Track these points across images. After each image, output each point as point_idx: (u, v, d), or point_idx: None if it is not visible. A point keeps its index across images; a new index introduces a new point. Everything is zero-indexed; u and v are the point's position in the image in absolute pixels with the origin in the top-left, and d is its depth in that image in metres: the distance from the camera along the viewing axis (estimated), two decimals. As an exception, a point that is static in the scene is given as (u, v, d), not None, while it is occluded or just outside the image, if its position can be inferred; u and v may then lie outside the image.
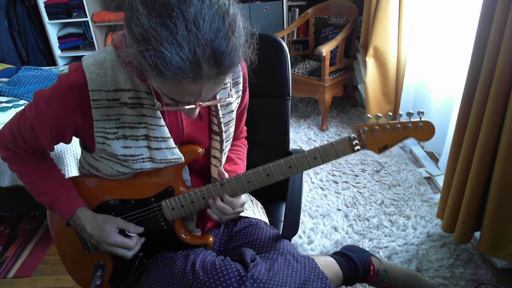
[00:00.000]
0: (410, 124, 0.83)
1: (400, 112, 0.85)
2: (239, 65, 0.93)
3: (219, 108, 0.91)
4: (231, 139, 1.00)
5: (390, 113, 0.85)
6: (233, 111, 0.96)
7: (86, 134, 0.85)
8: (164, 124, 0.84)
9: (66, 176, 0.97)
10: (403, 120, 0.84)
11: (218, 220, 0.92)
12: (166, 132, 0.85)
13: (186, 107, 0.71)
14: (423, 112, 0.84)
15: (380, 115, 0.85)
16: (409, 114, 0.84)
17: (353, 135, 0.85)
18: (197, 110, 0.76)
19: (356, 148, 0.85)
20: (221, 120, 0.92)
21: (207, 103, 0.73)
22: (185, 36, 0.59)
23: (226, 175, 0.91)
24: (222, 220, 0.93)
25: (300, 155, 0.87)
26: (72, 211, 0.91)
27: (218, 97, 0.84)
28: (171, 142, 0.86)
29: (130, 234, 0.93)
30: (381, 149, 0.86)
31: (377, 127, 0.84)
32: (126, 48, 0.66)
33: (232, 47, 0.63)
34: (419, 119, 0.84)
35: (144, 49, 0.60)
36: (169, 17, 0.59)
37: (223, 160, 0.98)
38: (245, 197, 0.93)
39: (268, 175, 0.88)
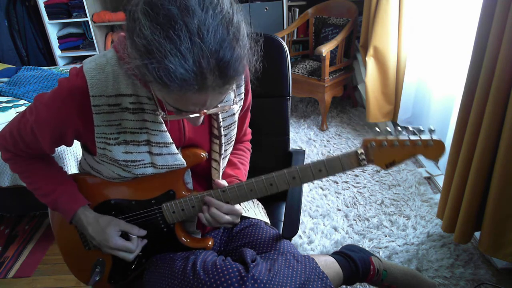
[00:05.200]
0: (420, 142, 0.81)
1: (411, 128, 0.83)
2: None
3: (219, 112, 0.91)
4: (232, 143, 1.00)
5: (400, 128, 0.82)
6: (234, 114, 0.95)
7: (88, 139, 0.84)
8: (165, 129, 0.84)
9: (66, 176, 0.97)
10: (412, 137, 0.82)
11: (207, 225, 0.91)
12: (168, 137, 0.84)
13: (191, 116, 0.70)
14: (434, 130, 0.81)
15: (389, 129, 0.83)
16: (419, 131, 0.82)
17: (360, 150, 0.84)
18: (202, 118, 0.75)
19: (362, 163, 0.84)
20: (221, 124, 0.92)
21: (212, 111, 0.72)
22: (189, 48, 0.58)
23: (225, 183, 0.91)
24: (211, 225, 0.91)
25: (304, 167, 0.85)
26: (73, 211, 0.90)
27: (221, 104, 0.84)
28: (173, 148, 0.86)
29: (132, 236, 0.93)
30: (388, 165, 0.84)
31: (386, 142, 0.82)
32: (128, 59, 0.65)
33: (237, 57, 0.62)
34: (429, 137, 0.81)
35: (148, 62, 0.59)
36: (173, 29, 0.58)
37: (222, 164, 0.98)
38: (239, 207, 0.93)
39: (271, 185, 0.87)
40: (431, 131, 0.82)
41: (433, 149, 0.82)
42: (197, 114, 0.70)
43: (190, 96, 0.63)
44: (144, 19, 0.59)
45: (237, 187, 0.88)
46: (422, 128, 0.82)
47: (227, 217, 0.89)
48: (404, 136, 0.83)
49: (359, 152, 0.83)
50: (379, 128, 0.83)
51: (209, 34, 0.59)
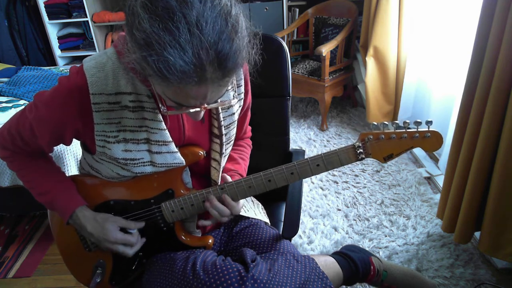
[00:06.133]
0: (417, 134, 0.81)
1: (407, 120, 0.83)
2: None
3: (220, 111, 0.91)
4: (232, 142, 1.00)
5: (397, 121, 0.82)
6: (234, 113, 0.95)
7: (87, 137, 0.84)
8: (165, 128, 0.84)
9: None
10: (410, 129, 0.82)
11: (217, 218, 0.92)
12: (167, 136, 0.85)
13: (191, 110, 0.70)
14: (431, 121, 0.81)
15: (387, 123, 0.84)
16: (417, 123, 0.81)
17: (357, 143, 0.84)
18: (202, 113, 0.75)
19: (360, 157, 0.84)
20: (222, 123, 0.92)
21: (212, 105, 0.72)
22: (188, 39, 0.58)
23: (229, 178, 0.91)
24: (219, 220, 0.92)
25: (302, 162, 0.85)
26: (71, 211, 0.90)
27: (221, 99, 0.84)
28: (172, 146, 0.86)
29: (131, 231, 0.93)
30: (386, 158, 0.85)
31: (383, 136, 0.82)
32: (128, 54, 0.65)
33: (236, 49, 0.63)
34: (427, 129, 0.81)
35: (147, 54, 0.59)
36: (171, 21, 0.58)
37: (223, 163, 0.98)
38: (243, 201, 0.93)
39: (269, 181, 0.87)
40: (429, 123, 0.81)
41: (430, 140, 0.82)
42: (198, 109, 0.70)
43: (189, 89, 0.63)
44: (143, 12, 0.59)
45: (236, 184, 0.89)
46: (419, 120, 0.81)
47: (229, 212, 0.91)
48: (401, 129, 0.83)
49: (356, 145, 0.83)
50: (376, 124, 0.83)
51: (208, 25, 0.59)
